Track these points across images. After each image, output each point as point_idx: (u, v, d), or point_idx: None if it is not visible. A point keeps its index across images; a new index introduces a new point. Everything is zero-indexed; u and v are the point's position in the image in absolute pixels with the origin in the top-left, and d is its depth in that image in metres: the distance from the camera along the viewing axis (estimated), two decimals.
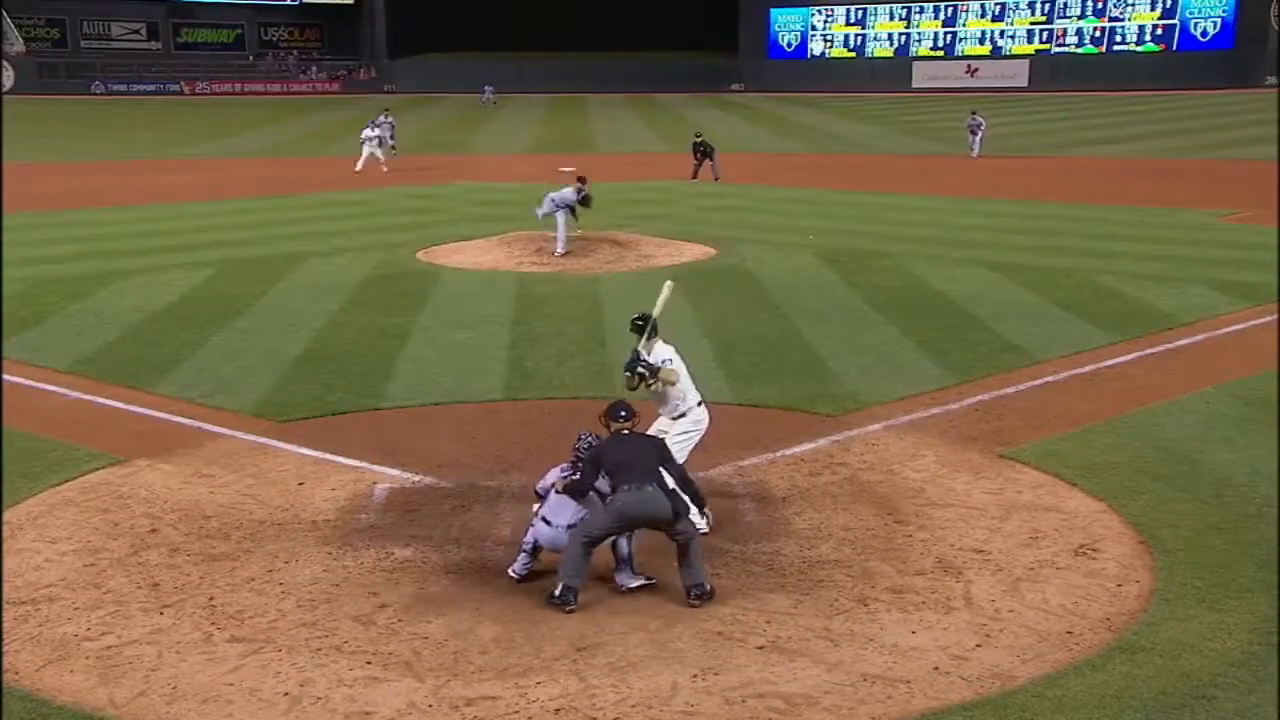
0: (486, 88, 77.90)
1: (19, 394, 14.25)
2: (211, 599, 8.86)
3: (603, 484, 8.81)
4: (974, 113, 44.57)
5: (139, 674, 7.80)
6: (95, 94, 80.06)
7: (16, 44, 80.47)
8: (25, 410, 13.56)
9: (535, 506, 9.29)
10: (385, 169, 38.47)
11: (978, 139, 42.96)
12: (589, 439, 9.30)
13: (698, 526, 9.08)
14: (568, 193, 22.86)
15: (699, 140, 37.55)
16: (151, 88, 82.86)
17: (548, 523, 9.00)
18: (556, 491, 9.04)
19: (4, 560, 9.56)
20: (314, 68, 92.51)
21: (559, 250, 22.97)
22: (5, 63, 79.25)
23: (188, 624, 8.47)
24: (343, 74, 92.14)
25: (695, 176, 36.37)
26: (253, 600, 8.83)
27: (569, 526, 8.84)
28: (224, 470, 11.58)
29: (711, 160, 36.85)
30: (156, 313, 18.38)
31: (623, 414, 9.22)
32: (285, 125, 59.52)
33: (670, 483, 8.79)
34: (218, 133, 55.39)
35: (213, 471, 11.54)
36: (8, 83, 78.15)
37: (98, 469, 11.57)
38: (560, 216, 22.88)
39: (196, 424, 13.03)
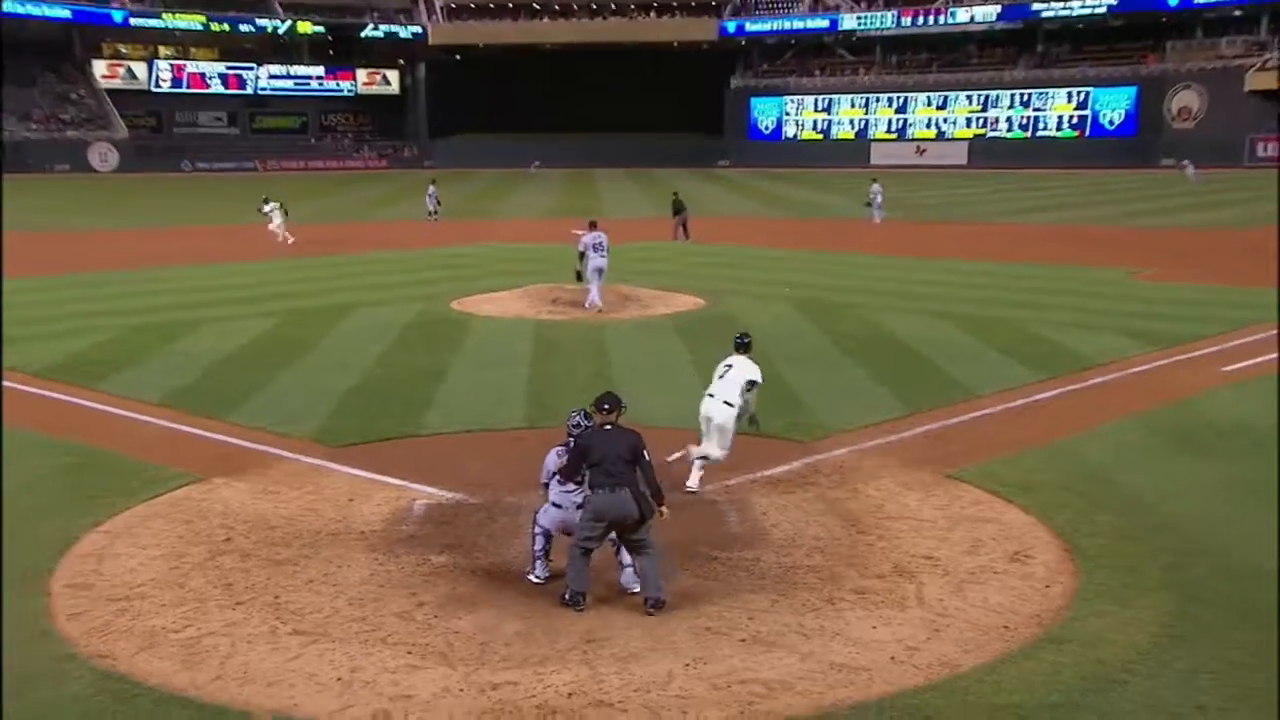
0: (535, 161, 78.33)
1: (120, 423, 14.28)
2: (276, 597, 8.84)
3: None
4: (875, 180, 43.17)
5: (215, 660, 7.78)
6: (184, 171, 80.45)
7: (120, 131, 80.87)
8: (124, 436, 13.59)
9: (540, 494, 9.20)
10: (291, 241, 35.00)
11: (876, 206, 41.56)
12: (578, 417, 9.15)
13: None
14: (605, 237, 22.22)
15: (676, 199, 36.85)
16: (231, 165, 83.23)
17: (558, 506, 8.93)
18: (559, 481, 8.96)
19: (104, 563, 9.56)
20: (365, 147, 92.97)
21: (599, 303, 22.18)
22: (110, 145, 79.59)
23: (256, 619, 8.46)
24: (389, 152, 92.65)
25: (676, 237, 35.77)
26: (311, 599, 8.82)
27: (578, 506, 8.74)
28: (287, 488, 11.58)
29: (685, 219, 36.09)
30: (231, 354, 18.38)
31: (606, 406, 8.82)
32: (341, 195, 59.75)
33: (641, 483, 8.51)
34: (284, 203, 55.47)
35: (278, 489, 11.55)
36: (113, 163, 78.49)
37: (182, 486, 11.56)
38: (599, 271, 22.09)
39: (264, 448, 13.01)
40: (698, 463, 11.40)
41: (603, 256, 22.13)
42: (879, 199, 41.88)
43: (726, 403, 11.36)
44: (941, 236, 37.73)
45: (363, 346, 18.89)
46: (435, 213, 43.11)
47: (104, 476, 11.85)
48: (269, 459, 12.61)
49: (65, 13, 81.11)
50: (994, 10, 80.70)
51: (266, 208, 35.28)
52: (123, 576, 9.26)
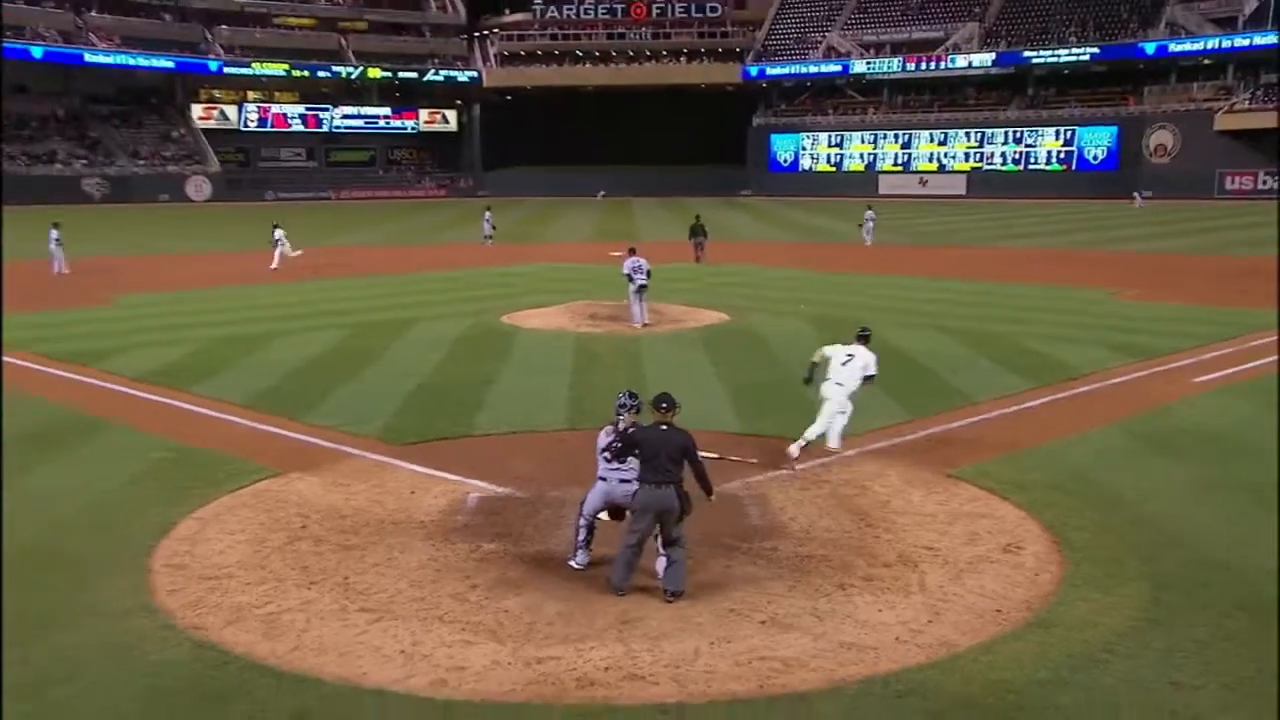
0: (600, 191, 78.44)
1: (209, 422, 14.42)
2: (346, 579, 8.89)
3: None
4: (869, 207, 42.91)
5: (293, 634, 7.84)
6: (267, 200, 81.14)
7: (213, 165, 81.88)
8: (213, 434, 13.72)
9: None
10: (300, 255, 34.41)
11: (867, 229, 41.34)
12: (624, 397, 9.04)
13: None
14: (645, 262, 22.09)
15: (697, 222, 36.04)
16: (308, 195, 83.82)
17: (603, 480, 8.82)
18: (607, 459, 8.84)
19: (197, 546, 9.65)
20: (426, 178, 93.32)
21: (646, 321, 22.06)
22: (205, 178, 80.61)
23: (328, 598, 8.51)
24: (447, 182, 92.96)
25: (698, 260, 34.99)
26: (376, 580, 8.87)
27: (622, 481, 8.62)
28: (355, 481, 11.65)
29: (701, 243, 35.38)
30: (307, 362, 18.50)
31: (664, 405, 8.56)
32: (404, 221, 60.13)
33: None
34: (354, 227, 56.02)
35: (347, 482, 11.61)
36: (206, 193, 79.49)
37: (263, 479, 11.66)
38: (640, 290, 21.89)
39: (335, 446, 13.09)
40: (821, 436, 12.25)
41: (644, 278, 22.00)
42: (871, 224, 41.68)
43: (838, 384, 12.27)
44: (941, 259, 37.47)
45: (422, 356, 18.96)
46: (490, 236, 43.17)
47: (196, 470, 11.97)
48: (339, 455, 12.69)
49: (169, 64, 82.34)
50: (989, 57, 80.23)
51: (277, 234, 34.26)
52: (213, 558, 9.36)
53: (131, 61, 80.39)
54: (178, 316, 24.08)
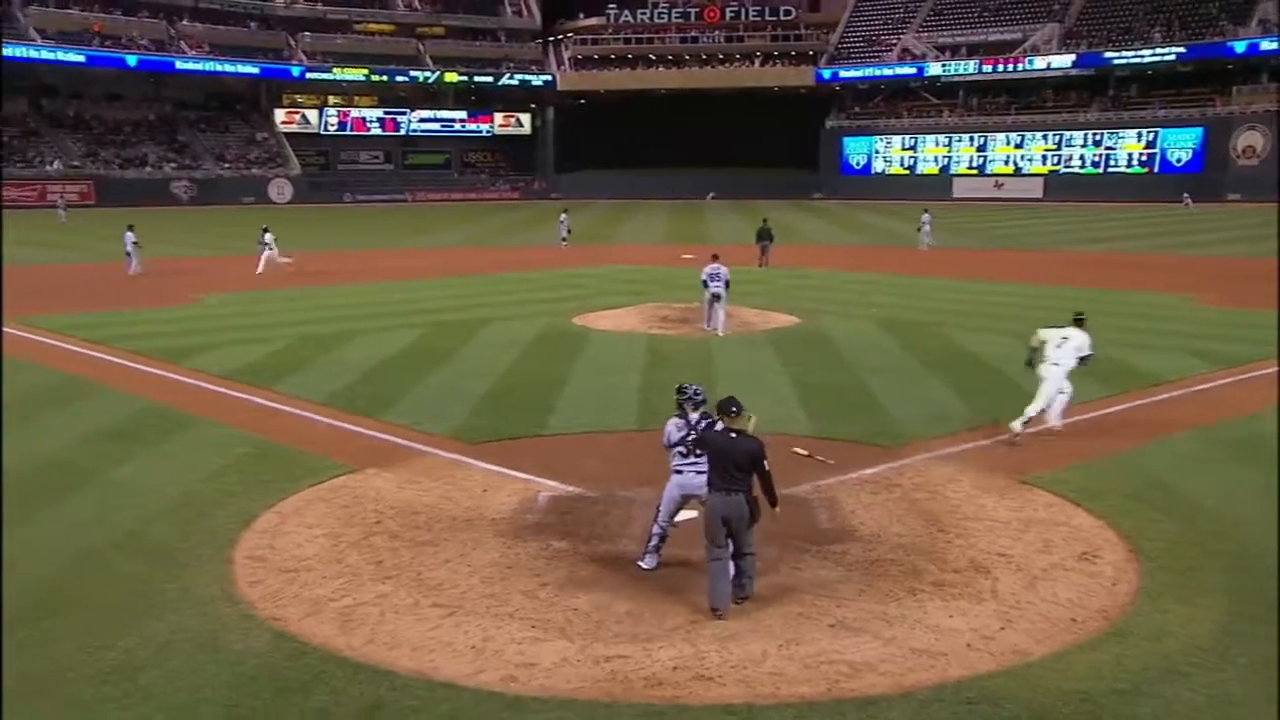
0: (710, 193, 78.56)
1: (289, 419, 14.74)
2: (419, 574, 9.03)
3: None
4: (925, 211, 42.18)
5: (368, 627, 7.98)
6: (346, 202, 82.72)
7: (295, 168, 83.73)
8: (292, 431, 14.01)
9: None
10: (288, 262, 33.03)
11: (924, 233, 40.64)
12: (691, 390, 8.97)
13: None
14: (724, 269, 21.67)
15: (764, 225, 35.51)
16: (385, 197, 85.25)
17: (679, 472, 8.77)
18: (681, 454, 8.77)
19: (276, 539, 9.87)
20: (500, 181, 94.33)
21: (719, 330, 21.51)
22: (287, 180, 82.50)
23: (402, 592, 8.65)
24: (521, 185, 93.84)
25: (762, 264, 34.33)
26: (449, 576, 8.98)
27: (699, 473, 8.51)
28: (429, 479, 11.80)
29: (766, 246, 34.90)
30: (383, 361, 18.73)
31: (733, 409, 8.39)
32: (478, 223, 60.78)
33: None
34: (429, 229, 56.77)
35: (421, 479, 11.77)
36: (288, 195, 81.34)
37: (340, 475, 11.86)
38: (721, 297, 21.51)
39: (410, 444, 13.27)
40: (1058, 419, 13.40)
41: (717, 285, 21.60)
42: (928, 227, 41.11)
43: (1055, 364, 13.15)
44: (1015, 263, 36.77)
45: (496, 356, 19.12)
46: (566, 238, 43.31)
47: (276, 465, 12.25)
48: (413, 453, 12.86)
49: (254, 69, 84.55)
50: (1069, 59, 78.50)
51: (267, 237, 33.04)
52: (291, 551, 9.57)
53: (219, 68, 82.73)
54: (259, 316, 24.64)
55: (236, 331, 22.05)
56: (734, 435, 8.37)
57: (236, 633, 7.90)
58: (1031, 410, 13.12)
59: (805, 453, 12.34)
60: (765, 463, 8.29)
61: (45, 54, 74.54)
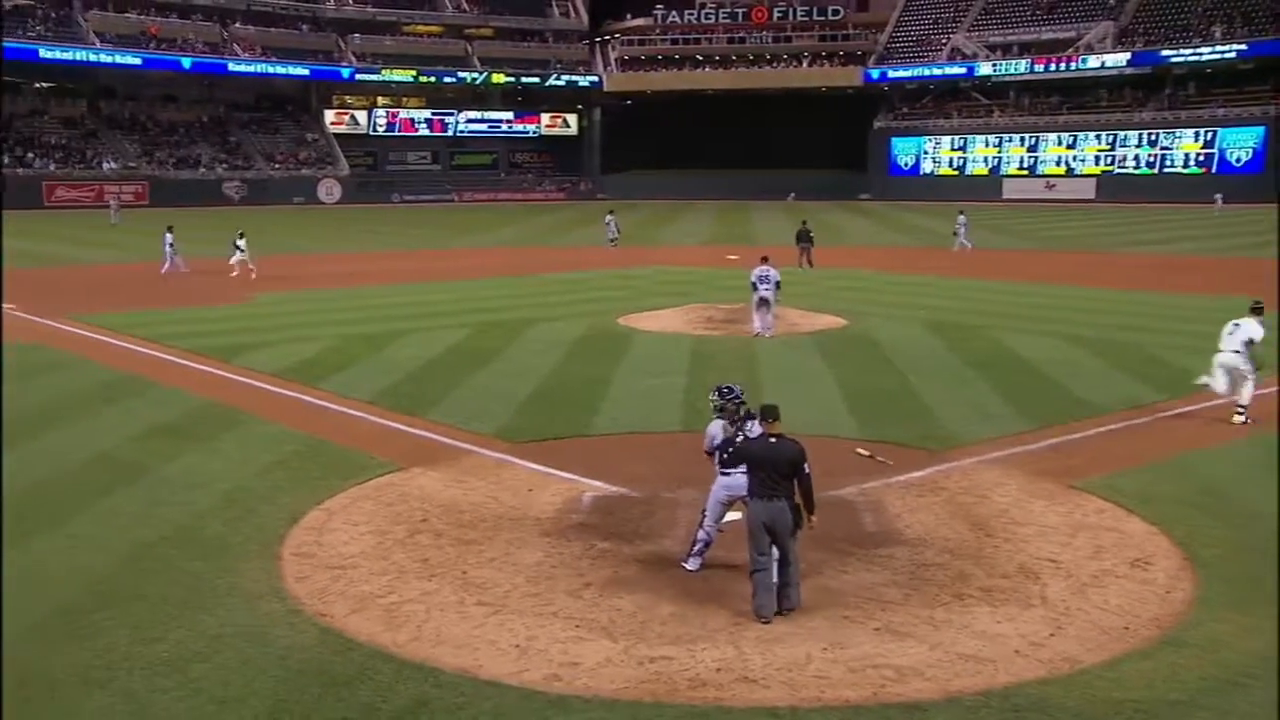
0: (791, 193, 78.24)
1: (337, 417, 14.90)
2: (464, 572, 9.09)
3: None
4: (961, 212, 41.69)
5: (413, 624, 8.05)
6: (394, 202, 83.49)
7: (344, 169, 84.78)
8: (340, 429, 14.17)
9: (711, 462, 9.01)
10: (254, 275, 31.78)
11: (961, 234, 40.12)
12: (728, 390, 8.95)
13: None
14: (773, 272, 21.43)
15: (803, 227, 35.12)
16: (432, 197, 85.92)
17: (725, 474, 8.75)
18: (722, 468, 8.77)
19: (324, 536, 9.97)
20: (546, 181, 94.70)
21: (765, 332, 21.16)
22: (336, 180, 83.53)
23: (447, 590, 8.71)
24: (567, 185, 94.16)
25: (800, 263, 33.77)
26: (493, 575, 9.03)
27: (743, 472, 8.47)
28: (474, 478, 11.88)
29: (809, 248, 34.60)
30: (430, 361, 18.89)
31: (771, 417, 8.35)
32: (524, 224, 61.07)
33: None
34: (476, 229, 57.11)
35: (466, 478, 11.85)
36: (337, 195, 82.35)
37: (387, 473, 11.98)
38: (762, 301, 21.24)
39: (456, 443, 13.37)
40: (1224, 389, 14.41)
41: (766, 288, 21.26)
42: (963, 229, 40.57)
43: (1235, 351, 14.11)
44: (1065, 264, 36.19)
45: (541, 356, 19.20)
46: (615, 239, 43.34)
47: (324, 462, 12.41)
48: (459, 452, 12.95)
49: (305, 71, 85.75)
50: (1124, 57, 77.08)
51: (241, 242, 32.41)
52: (338, 548, 9.68)
53: (270, 70, 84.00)
54: (309, 315, 24.97)
55: (287, 330, 22.35)
56: (773, 440, 8.30)
57: (284, 627, 8.01)
58: (1203, 379, 14.56)
59: (867, 453, 12.38)
60: (806, 465, 8.20)
61: (104, 57, 76.21)
